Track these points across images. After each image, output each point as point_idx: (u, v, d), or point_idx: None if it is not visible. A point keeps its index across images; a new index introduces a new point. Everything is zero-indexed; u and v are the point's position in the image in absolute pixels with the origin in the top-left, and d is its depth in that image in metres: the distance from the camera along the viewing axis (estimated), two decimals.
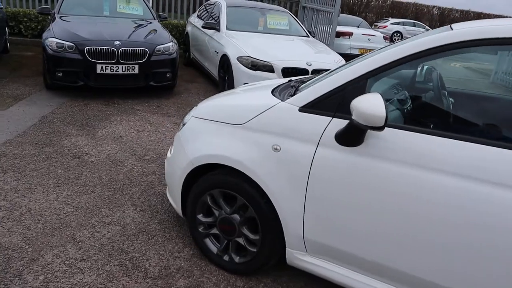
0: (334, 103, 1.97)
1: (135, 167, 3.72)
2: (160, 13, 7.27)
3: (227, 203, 2.38)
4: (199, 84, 6.99)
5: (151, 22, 6.51)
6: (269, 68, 5.60)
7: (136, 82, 5.62)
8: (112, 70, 5.34)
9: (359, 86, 1.91)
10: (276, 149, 2.09)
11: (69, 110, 5.02)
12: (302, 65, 5.65)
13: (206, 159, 2.32)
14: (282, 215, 2.13)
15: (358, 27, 10.51)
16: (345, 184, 1.92)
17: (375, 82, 1.95)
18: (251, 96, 2.46)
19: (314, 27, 9.31)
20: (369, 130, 1.79)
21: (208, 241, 2.53)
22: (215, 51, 6.43)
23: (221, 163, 2.26)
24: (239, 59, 5.72)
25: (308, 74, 5.62)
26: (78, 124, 4.60)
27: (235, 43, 6.04)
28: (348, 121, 1.86)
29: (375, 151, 1.84)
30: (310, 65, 5.66)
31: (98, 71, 5.28)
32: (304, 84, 2.51)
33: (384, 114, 1.65)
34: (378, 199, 1.85)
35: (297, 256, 2.20)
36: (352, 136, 1.86)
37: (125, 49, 5.35)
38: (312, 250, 2.14)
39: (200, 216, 2.49)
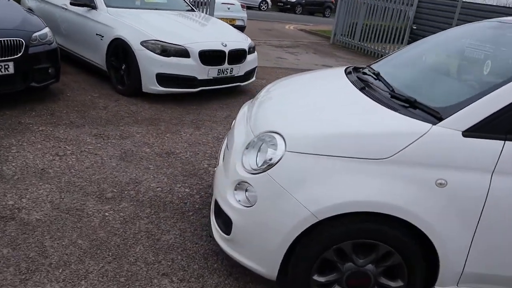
0: (505, 124, 1.73)
1: (106, 214, 2.72)
2: None
3: (358, 253, 1.93)
4: (74, 77, 5.55)
5: None
6: (183, 53, 4.81)
7: (12, 86, 4.08)
8: None
9: None
10: (441, 183, 1.74)
11: None
12: (218, 46, 5.03)
13: (339, 208, 1.79)
14: (443, 255, 1.83)
15: None
16: None
17: None
18: (370, 115, 1.97)
19: None
20: None
21: None
22: (98, 35, 5.16)
23: (365, 210, 1.79)
24: (144, 44, 4.72)
25: (225, 56, 5.07)
26: None
27: (130, 24, 4.95)
28: None
29: None
30: (226, 45, 5.10)
31: None
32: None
33: None
34: None
35: None
36: None
37: None
38: (466, 281, 1.93)
39: (316, 277, 1.96)
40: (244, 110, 2.70)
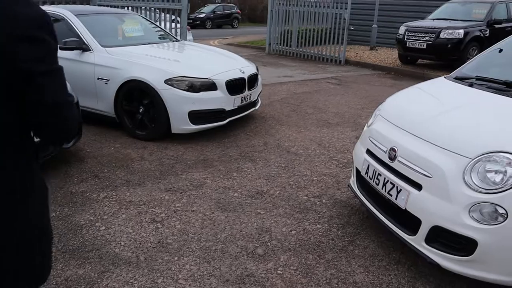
0: None
1: (280, 272, 2.49)
2: None
3: None
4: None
5: None
6: (211, 86, 4.58)
7: (48, 150, 3.50)
8: None
9: None
10: None
11: None
12: (238, 74, 4.88)
13: None
14: None
15: None
16: None
17: None
18: None
19: None
20: None
21: None
22: (101, 79, 4.64)
23: None
24: (169, 82, 4.39)
25: (245, 83, 4.95)
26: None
27: (145, 63, 4.56)
28: None
29: None
30: (244, 72, 4.97)
31: None
32: None
33: None
34: None
35: None
36: None
37: None
38: None
39: None
40: (382, 131, 2.72)
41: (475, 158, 2.14)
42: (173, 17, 8.63)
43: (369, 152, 2.85)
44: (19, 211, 1.16)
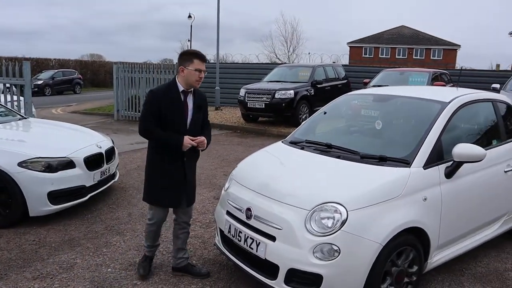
0: (435, 157, 3.11)
1: None
2: None
3: (397, 259, 2.91)
4: None
5: None
6: (69, 164, 4.60)
7: None
8: None
9: (444, 140, 3.18)
10: (425, 199, 2.96)
11: None
12: (96, 149, 5.02)
13: (394, 232, 2.73)
14: (432, 241, 3.05)
15: None
16: (454, 199, 3.18)
17: None
18: (373, 172, 3.00)
19: None
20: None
21: None
22: None
23: (405, 228, 2.80)
24: (24, 165, 4.30)
25: (103, 157, 5.08)
26: None
27: None
28: (452, 162, 3.11)
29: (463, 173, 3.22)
30: (101, 147, 5.12)
31: None
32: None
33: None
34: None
35: (432, 261, 3.16)
36: (454, 171, 3.13)
37: None
38: (438, 249, 3.19)
39: (382, 285, 2.82)
40: (238, 194, 3.27)
41: (312, 209, 2.79)
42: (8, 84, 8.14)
43: (229, 213, 3.34)
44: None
